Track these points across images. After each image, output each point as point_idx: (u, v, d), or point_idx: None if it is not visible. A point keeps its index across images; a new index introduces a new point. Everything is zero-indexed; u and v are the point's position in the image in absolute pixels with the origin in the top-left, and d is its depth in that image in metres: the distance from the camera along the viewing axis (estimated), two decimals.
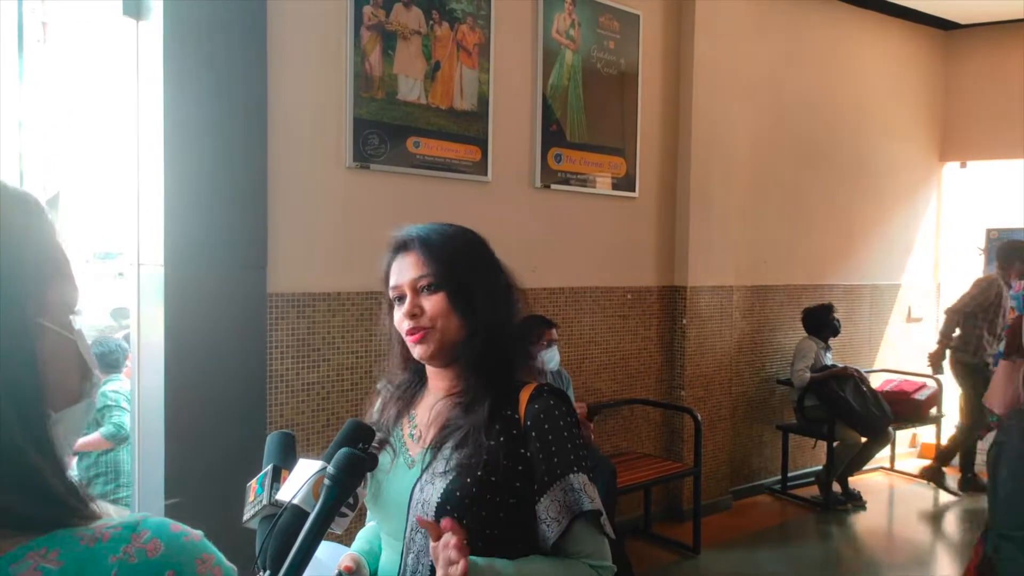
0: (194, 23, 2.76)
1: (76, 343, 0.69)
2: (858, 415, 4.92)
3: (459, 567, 1.06)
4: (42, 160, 3.19)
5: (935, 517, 5.20)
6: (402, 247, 1.31)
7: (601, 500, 1.27)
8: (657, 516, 4.56)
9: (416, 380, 1.39)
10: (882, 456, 5.65)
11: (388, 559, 1.32)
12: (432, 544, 1.11)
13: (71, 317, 0.69)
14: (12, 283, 0.62)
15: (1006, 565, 2.00)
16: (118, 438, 3.76)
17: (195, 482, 2.73)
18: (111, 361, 3.90)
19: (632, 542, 4.26)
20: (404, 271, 1.29)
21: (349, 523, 1.14)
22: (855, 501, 5.05)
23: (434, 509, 1.21)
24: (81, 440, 3.58)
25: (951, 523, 5.08)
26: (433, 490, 1.23)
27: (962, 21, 6.32)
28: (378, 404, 1.43)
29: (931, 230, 6.62)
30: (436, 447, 1.27)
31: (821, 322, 5.15)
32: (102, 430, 3.75)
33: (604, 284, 4.32)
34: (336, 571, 1.26)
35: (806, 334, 5.19)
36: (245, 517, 1.16)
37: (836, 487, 5.06)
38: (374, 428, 1.37)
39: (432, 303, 1.27)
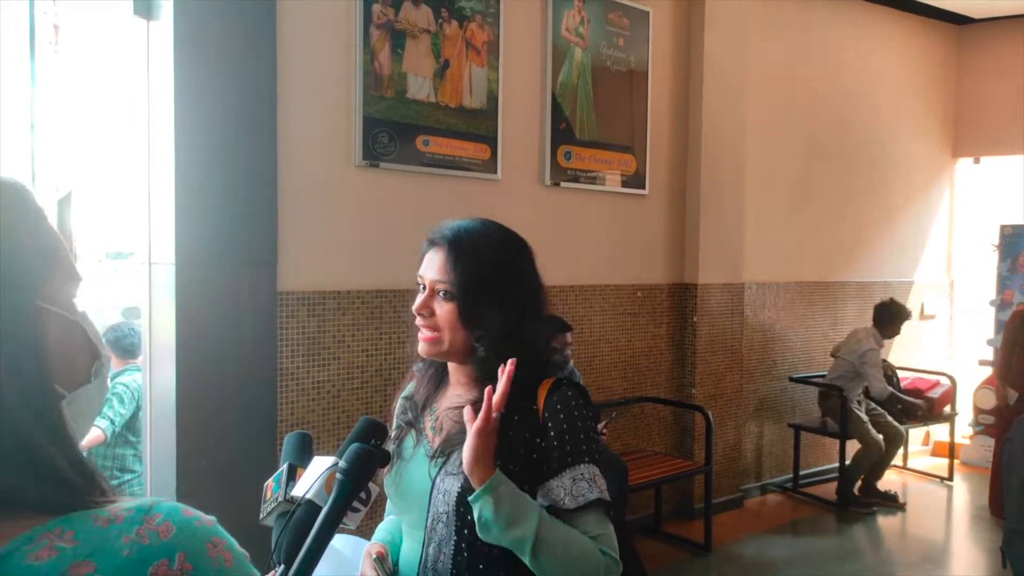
0: (204, 23, 2.77)
1: (81, 325, 0.70)
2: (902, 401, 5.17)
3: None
4: (54, 161, 3.21)
5: (948, 515, 5.16)
6: (435, 243, 1.33)
7: (612, 498, 1.27)
8: (668, 514, 4.55)
9: (442, 364, 1.41)
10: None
11: (409, 548, 1.34)
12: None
13: (73, 300, 0.69)
14: (8, 268, 0.63)
15: (1018, 560, 1.99)
16: (105, 432, 3.53)
17: (206, 478, 2.74)
18: (126, 346, 3.66)
19: (643, 540, 4.25)
20: (430, 267, 1.32)
21: (362, 518, 1.16)
22: (890, 501, 4.99)
23: (455, 499, 1.24)
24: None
25: (964, 521, 5.04)
26: (454, 480, 1.25)
27: (975, 16, 6.27)
28: (412, 385, 1.46)
29: (944, 226, 6.58)
30: (447, 453, 1.29)
31: (895, 317, 5.06)
32: (97, 421, 3.63)
33: (614, 282, 4.31)
34: (373, 555, 1.31)
35: (871, 325, 5.11)
36: (262, 515, 1.19)
37: (857, 490, 5.02)
38: (402, 408, 1.41)
39: (444, 310, 1.29)
